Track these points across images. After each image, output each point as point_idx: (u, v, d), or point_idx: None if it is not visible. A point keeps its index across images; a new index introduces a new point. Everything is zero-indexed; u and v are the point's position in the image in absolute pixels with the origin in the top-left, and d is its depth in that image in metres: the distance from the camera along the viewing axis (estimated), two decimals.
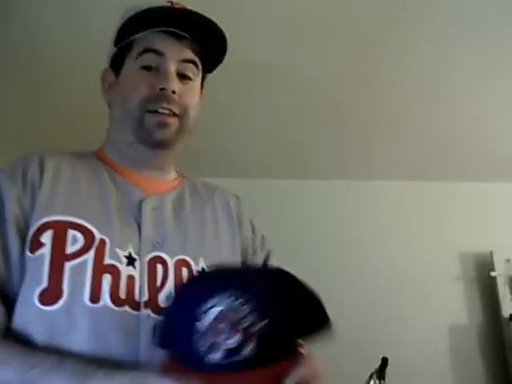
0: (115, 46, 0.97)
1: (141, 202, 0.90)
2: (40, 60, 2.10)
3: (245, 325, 0.60)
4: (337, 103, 2.40)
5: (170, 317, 0.70)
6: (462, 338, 2.81)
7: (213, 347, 0.60)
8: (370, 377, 1.95)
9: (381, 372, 1.93)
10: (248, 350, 0.60)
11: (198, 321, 0.62)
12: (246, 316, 0.61)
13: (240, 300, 0.61)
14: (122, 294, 0.79)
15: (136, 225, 0.87)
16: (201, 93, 1.01)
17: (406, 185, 3.02)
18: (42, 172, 0.87)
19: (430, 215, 2.98)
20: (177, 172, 1.04)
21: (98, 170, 0.93)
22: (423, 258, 2.86)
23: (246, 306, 0.61)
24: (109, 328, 0.76)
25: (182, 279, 0.84)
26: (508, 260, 2.80)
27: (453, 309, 2.84)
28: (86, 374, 0.70)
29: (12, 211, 0.82)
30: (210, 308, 0.62)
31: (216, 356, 0.60)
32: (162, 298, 0.81)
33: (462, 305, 2.88)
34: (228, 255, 0.93)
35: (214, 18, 0.95)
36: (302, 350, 0.67)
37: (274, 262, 1.00)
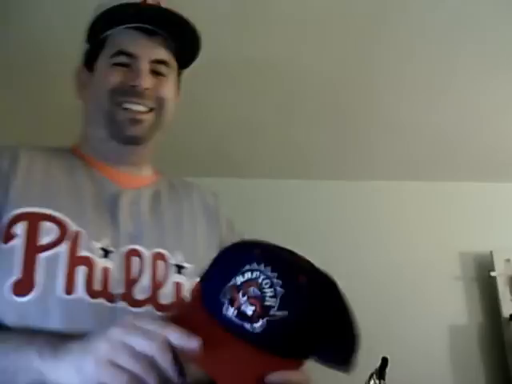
0: (88, 41, 0.98)
1: (117, 195, 0.89)
2: (42, 60, 2.10)
3: (266, 303, 0.61)
4: (337, 103, 2.40)
5: (223, 254, 0.72)
6: (462, 338, 2.81)
7: (233, 302, 0.62)
8: (370, 377, 1.95)
9: (381, 372, 1.93)
10: (257, 324, 0.61)
11: (239, 274, 0.63)
12: (273, 296, 0.61)
13: (278, 281, 0.62)
14: (98, 286, 0.78)
15: (112, 218, 0.86)
16: (178, 90, 1.00)
17: (406, 185, 3.02)
18: (15, 163, 0.86)
19: (429, 215, 2.98)
20: (153, 168, 1.03)
21: (73, 164, 0.92)
22: (423, 258, 2.86)
23: (279, 289, 0.61)
24: (83, 319, 0.76)
25: (157, 272, 0.84)
26: (508, 260, 2.80)
27: (453, 309, 2.84)
28: (59, 344, 0.67)
29: None
30: (254, 270, 0.63)
31: (230, 311, 0.62)
32: (138, 291, 0.81)
33: (462, 305, 2.88)
34: (205, 250, 0.92)
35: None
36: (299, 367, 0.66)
37: None
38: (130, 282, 0.81)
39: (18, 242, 0.78)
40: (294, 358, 0.64)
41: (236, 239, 0.98)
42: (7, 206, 0.81)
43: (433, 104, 2.40)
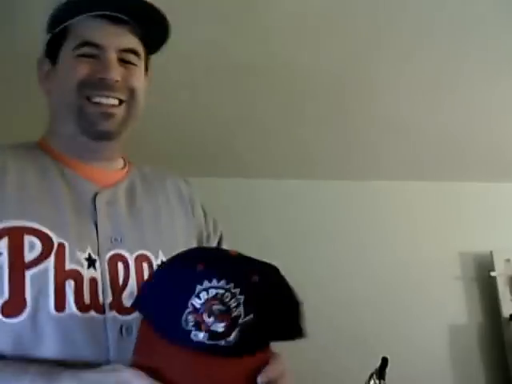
0: (49, 31, 0.91)
1: (94, 196, 0.86)
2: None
3: (233, 314, 0.62)
4: (339, 103, 2.40)
5: (163, 281, 0.70)
6: (462, 338, 2.81)
7: (199, 326, 0.62)
8: (370, 377, 1.95)
9: (381, 372, 1.93)
10: (230, 338, 0.61)
11: (193, 297, 0.63)
12: (237, 306, 0.62)
13: (236, 290, 0.62)
14: (87, 299, 0.77)
15: (92, 222, 0.84)
16: (146, 75, 0.95)
17: (407, 185, 3.02)
18: None
19: (430, 215, 2.98)
20: (123, 159, 0.99)
21: (45, 166, 0.87)
22: (423, 258, 2.86)
23: (239, 297, 0.62)
24: (77, 335, 0.75)
25: (143, 276, 0.83)
26: (508, 260, 2.80)
27: (453, 309, 2.84)
28: (51, 376, 0.68)
29: None
30: (209, 288, 0.63)
31: (200, 335, 0.61)
32: (126, 298, 0.80)
33: (462, 305, 2.88)
34: (185, 243, 0.90)
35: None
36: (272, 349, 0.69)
37: (225, 246, 1.01)
38: (118, 290, 0.80)
39: (2, 260, 0.75)
40: (265, 348, 0.66)
41: (210, 226, 0.99)
42: None
43: (435, 105, 2.40)
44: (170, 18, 0.92)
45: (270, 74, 2.16)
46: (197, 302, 0.62)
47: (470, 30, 1.96)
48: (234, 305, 0.62)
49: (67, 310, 0.75)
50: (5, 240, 0.76)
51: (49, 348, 0.74)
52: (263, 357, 0.65)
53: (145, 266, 0.84)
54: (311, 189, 2.97)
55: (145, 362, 0.64)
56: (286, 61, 2.09)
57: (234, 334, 0.61)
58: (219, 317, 0.61)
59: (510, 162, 2.88)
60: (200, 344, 0.61)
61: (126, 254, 0.84)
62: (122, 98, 0.87)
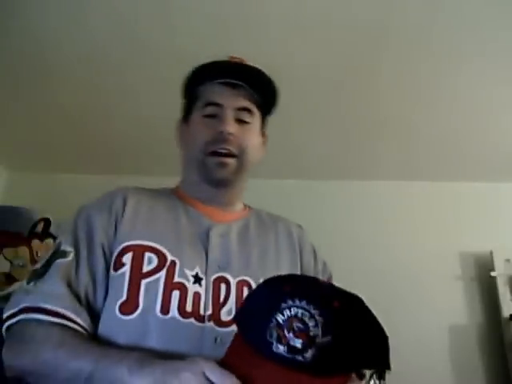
0: (184, 97, 1.13)
1: (209, 229, 1.04)
2: (41, 60, 2.10)
3: (311, 333, 0.68)
4: (338, 103, 2.40)
5: (256, 298, 0.78)
6: (462, 338, 2.81)
7: (281, 339, 0.69)
8: (370, 377, 1.95)
9: (381, 372, 1.93)
10: (307, 355, 0.68)
11: (278, 313, 0.70)
12: (315, 326, 0.69)
13: (316, 311, 0.69)
14: (189, 308, 0.92)
15: (204, 249, 1.00)
16: (263, 135, 1.15)
17: (407, 185, 3.02)
18: (124, 206, 1.02)
19: (430, 215, 2.98)
20: (244, 205, 1.18)
21: (173, 203, 1.08)
22: (423, 258, 2.86)
23: (318, 318, 0.69)
24: (176, 336, 0.89)
25: (242, 297, 0.96)
26: (508, 260, 2.80)
27: (453, 309, 2.84)
28: (144, 363, 0.79)
29: (100, 238, 0.97)
30: (291, 307, 0.70)
31: (281, 348, 0.68)
32: (224, 313, 0.93)
33: (462, 305, 2.88)
34: None
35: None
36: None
37: None
38: (218, 305, 0.94)
39: (126, 270, 0.94)
40: (345, 373, 0.72)
41: (318, 267, 1.12)
42: (117, 241, 0.97)
43: (433, 105, 2.40)
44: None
45: (270, 74, 2.16)
46: (280, 318, 0.70)
47: (468, 31, 1.96)
48: (312, 324, 0.68)
49: (170, 314, 0.90)
50: (130, 254, 0.95)
51: (152, 342, 0.88)
52: (342, 380, 0.71)
53: (245, 289, 0.98)
54: (311, 189, 2.97)
55: (231, 363, 0.72)
56: (283, 61, 2.09)
57: (310, 352, 0.68)
58: (298, 334, 0.68)
59: (509, 161, 2.89)
60: (280, 356, 0.68)
61: (230, 278, 0.98)
62: (234, 151, 1.05)
